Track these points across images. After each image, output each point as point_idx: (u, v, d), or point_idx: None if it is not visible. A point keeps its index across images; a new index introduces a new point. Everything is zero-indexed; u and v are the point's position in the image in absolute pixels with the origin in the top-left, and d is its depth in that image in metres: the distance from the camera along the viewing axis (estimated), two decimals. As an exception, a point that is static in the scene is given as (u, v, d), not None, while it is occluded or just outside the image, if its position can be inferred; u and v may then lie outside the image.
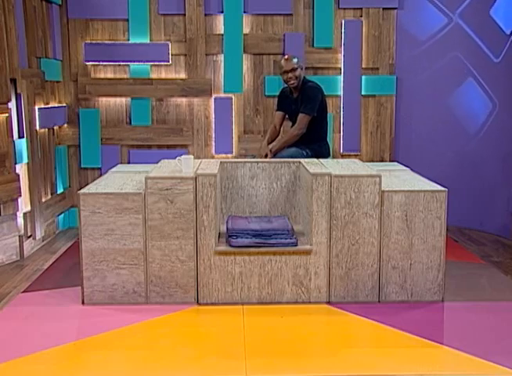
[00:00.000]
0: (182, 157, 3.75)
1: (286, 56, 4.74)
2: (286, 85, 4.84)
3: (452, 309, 3.55)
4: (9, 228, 4.50)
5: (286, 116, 4.98)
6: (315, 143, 4.73)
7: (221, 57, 5.57)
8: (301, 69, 4.72)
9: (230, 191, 4.18)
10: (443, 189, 3.63)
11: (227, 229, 3.70)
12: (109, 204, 3.52)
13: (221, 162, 4.10)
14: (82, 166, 5.65)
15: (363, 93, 5.62)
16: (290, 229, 3.66)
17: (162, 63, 5.55)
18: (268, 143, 4.84)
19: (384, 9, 5.56)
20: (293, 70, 4.62)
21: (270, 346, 3.03)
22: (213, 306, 3.59)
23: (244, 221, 3.80)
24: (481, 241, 5.11)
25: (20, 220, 4.64)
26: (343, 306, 3.57)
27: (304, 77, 4.78)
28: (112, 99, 5.61)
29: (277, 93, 5.56)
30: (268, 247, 3.57)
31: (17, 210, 4.59)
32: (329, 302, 3.63)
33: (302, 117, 4.63)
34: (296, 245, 3.59)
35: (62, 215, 5.51)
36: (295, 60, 4.65)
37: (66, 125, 5.59)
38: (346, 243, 3.60)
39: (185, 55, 5.55)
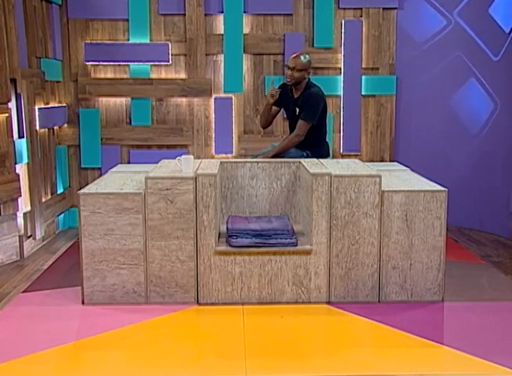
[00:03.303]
0: (182, 157, 3.75)
1: (296, 54, 4.51)
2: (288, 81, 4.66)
3: (452, 309, 3.55)
4: (9, 228, 4.50)
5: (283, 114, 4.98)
6: (314, 145, 4.69)
7: (221, 57, 5.57)
8: (306, 72, 4.52)
9: (230, 191, 4.18)
10: (443, 189, 3.63)
11: (227, 229, 3.70)
12: (109, 204, 3.51)
13: (221, 162, 4.10)
14: (82, 166, 5.65)
15: (363, 93, 5.62)
16: (291, 229, 3.66)
17: (162, 63, 5.55)
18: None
19: (383, 9, 5.56)
20: (295, 69, 4.45)
21: (270, 346, 3.03)
22: (213, 306, 3.58)
23: (244, 221, 3.80)
24: (481, 241, 5.11)
25: (20, 220, 4.63)
26: (343, 306, 3.57)
27: (309, 80, 4.60)
28: (112, 99, 5.61)
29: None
30: (268, 247, 3.57)
31: (17, 210, 4.59)
32: (329, 302, 3.63)
33: (302, 124, 4.50)
34: (296, 245, 3.59)
35: (62, 215, 5.51)
36: (303, 60, 4.46)
37: (66, 125, 5.59)
38: (346, 243, 3.60)
39: (185, 55, 5.55)
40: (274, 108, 4.74)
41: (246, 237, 3.57)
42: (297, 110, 4.58)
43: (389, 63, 5.61)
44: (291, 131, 4.70)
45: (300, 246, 3.60)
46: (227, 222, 3.80)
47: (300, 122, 4.53)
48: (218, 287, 3.60)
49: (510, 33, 5.15)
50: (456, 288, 3.85)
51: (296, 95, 4.63)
